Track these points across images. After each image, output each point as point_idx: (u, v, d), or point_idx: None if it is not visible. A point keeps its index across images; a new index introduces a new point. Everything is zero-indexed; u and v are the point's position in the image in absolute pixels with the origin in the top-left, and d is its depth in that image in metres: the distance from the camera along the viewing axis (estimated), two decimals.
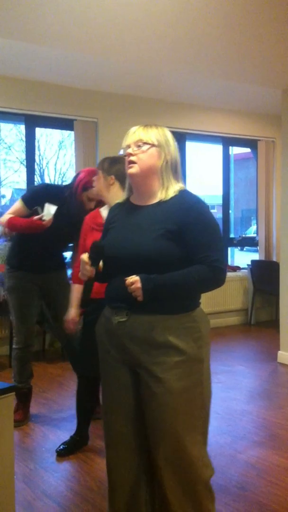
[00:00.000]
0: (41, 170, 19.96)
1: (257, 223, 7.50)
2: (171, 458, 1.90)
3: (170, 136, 1.99)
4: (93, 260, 1.92)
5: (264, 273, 6.94)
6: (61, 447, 3.21)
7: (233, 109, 6.92)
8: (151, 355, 1.88)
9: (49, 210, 3.31)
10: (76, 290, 3.16)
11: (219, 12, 3.36)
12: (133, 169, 1.94)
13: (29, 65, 5.06)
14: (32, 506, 2.60)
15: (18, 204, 3.49)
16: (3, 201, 13.57)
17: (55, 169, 16.42)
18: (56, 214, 3.33)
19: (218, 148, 7.26)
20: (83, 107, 5.88)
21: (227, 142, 7.23)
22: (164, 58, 4.33)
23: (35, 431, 3.53)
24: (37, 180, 19.05)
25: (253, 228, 14.52)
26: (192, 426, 1.92)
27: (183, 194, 1.95)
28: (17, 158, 13.73)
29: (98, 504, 2.61)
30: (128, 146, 1.96)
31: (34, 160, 6.00)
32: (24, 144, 5.92)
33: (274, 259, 7.26)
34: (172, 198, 1.93)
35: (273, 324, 6.74)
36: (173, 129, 6.62)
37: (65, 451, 3.18)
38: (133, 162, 1.94)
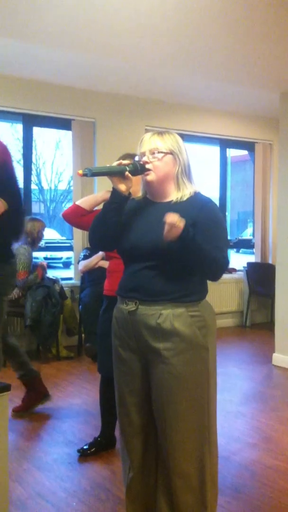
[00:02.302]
0: (38, 169, 19.96)
1: (253, 226, 7.51)
2: (175, 442, 1.99)
3: (181, 142, 2.12)
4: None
5: (260, 276, 6.95)
6: (84, 447, 3.16)
7: (231, 112, 6.93)
8: (160, 341, 1.99)
9: None
10: None
11: (219, 15, 3.37)
12: (150, 177, 2.05)
13: (28, 64, 5.06)
14: (25, 506, 2.59)
15: None
16: None
17: (52, 169, 16.38)
18: None
19: (215, 150, 7.27)
20: (81, 107, 5.88)
21: (225, 144, 7.25)
22: (162, 60, 4.34)
23: (29, 431, 3.53)
24: (33, 179, 18.97)
25: (249, 230, 14.53)
26: (197, 412, 2.02)
27: (198, 196, 2.08)
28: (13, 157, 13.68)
29: (91, 504, 2.61)
30: (143, 154, 2.06)
31: (31, 160, 6.00)
32: (20, 144, 5.92)
33: (270, 261, 7.28)
34: (188, 198, 2.05)
35: (268, 326, 6.75)
36: (170, 131, 6.65)
37: (85, 452, 3.12)
38: (149, 170, 2.04)
